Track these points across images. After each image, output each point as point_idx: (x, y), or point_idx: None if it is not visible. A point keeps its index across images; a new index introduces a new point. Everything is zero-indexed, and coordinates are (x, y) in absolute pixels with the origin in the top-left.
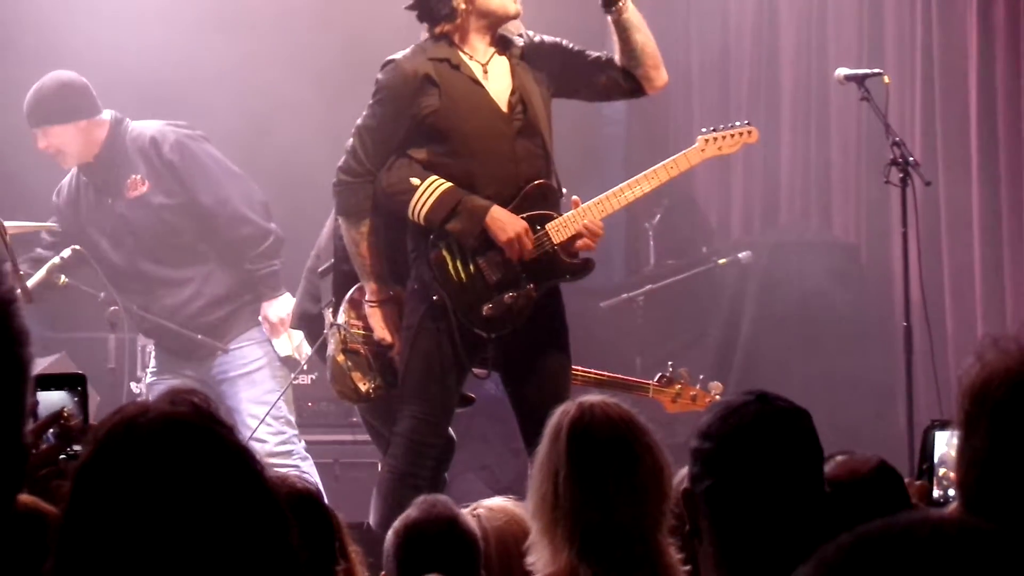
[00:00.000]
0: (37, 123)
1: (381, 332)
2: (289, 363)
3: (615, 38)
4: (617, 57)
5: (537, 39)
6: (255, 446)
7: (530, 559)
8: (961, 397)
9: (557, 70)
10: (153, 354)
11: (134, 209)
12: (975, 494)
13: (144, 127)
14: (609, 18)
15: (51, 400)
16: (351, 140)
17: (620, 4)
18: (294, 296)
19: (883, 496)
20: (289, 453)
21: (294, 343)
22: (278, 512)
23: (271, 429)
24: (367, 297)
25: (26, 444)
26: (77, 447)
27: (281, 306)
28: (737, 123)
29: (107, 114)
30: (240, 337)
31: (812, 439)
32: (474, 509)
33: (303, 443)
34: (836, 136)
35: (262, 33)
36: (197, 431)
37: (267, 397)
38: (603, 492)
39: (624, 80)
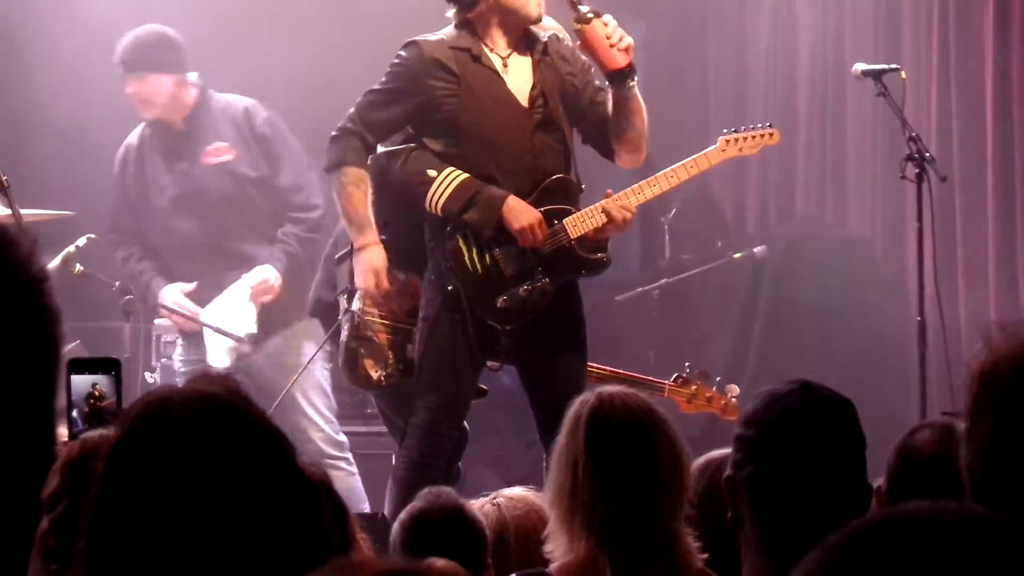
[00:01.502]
0: (134, 69)
1: (361, 279)
2: (246, 341)
3: (610, 107)
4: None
5: (570, 46)
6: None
7: (548, 547)
8: (969, 382)
9: (572, 88)
10: (179, 341)
11: (214, 176)
12: (981, 480)
13: (232, 98)
14: (611, 91)
15: (84, 383)
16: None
17: (630, 84)
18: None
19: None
20: (343, 445)
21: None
22: (309, 493)
23: (329, 422)
24: (353, 246)
25: (55, 423)
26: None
27: (265, 274)
28: (759, 125)
29: (194, 76)
30: (292, 327)
31: (855, 428)
32: (494, 498)
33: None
34: (852, 131)
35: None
36: (230, 411)
37: (316, 388)
38: (622, 481)
39: (602, 142)
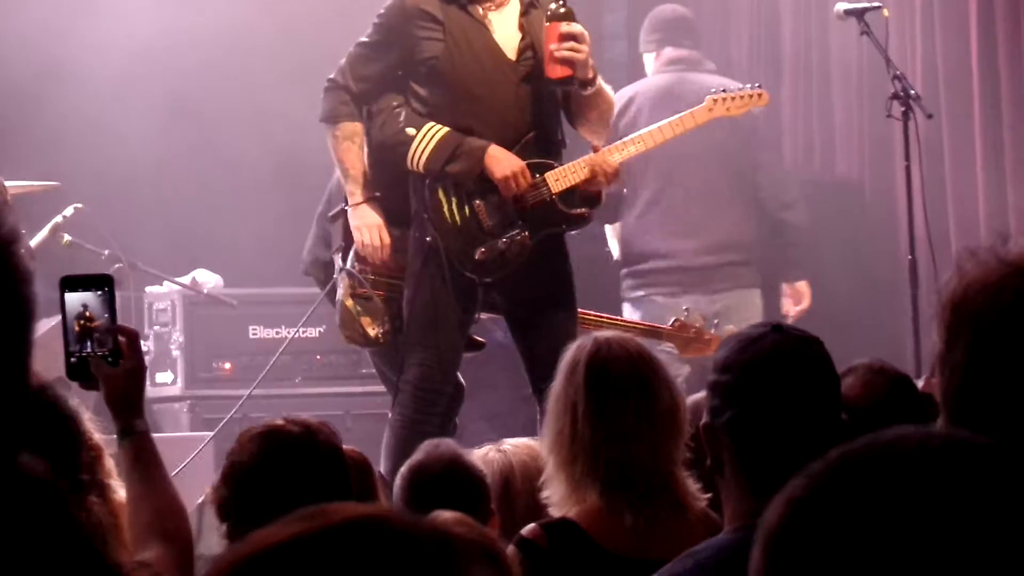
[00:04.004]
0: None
1: (360, 233)
2: None
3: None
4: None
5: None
6: None
7: (545, 493)
8: (941, 310)
9: None
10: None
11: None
12: (957, 406)
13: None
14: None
15: (76, 301)
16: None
17: (584, 89)
18: None
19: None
20: None
21: None
22: None
23: None
24: (348, 202)
25: (30, 384)
26: (103, 347)
27: None
28: (748, 85)
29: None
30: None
31: (828, 366)
32: (499, 445)
33: None
34: (837, 73)
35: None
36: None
37: None
38: (622, 426)
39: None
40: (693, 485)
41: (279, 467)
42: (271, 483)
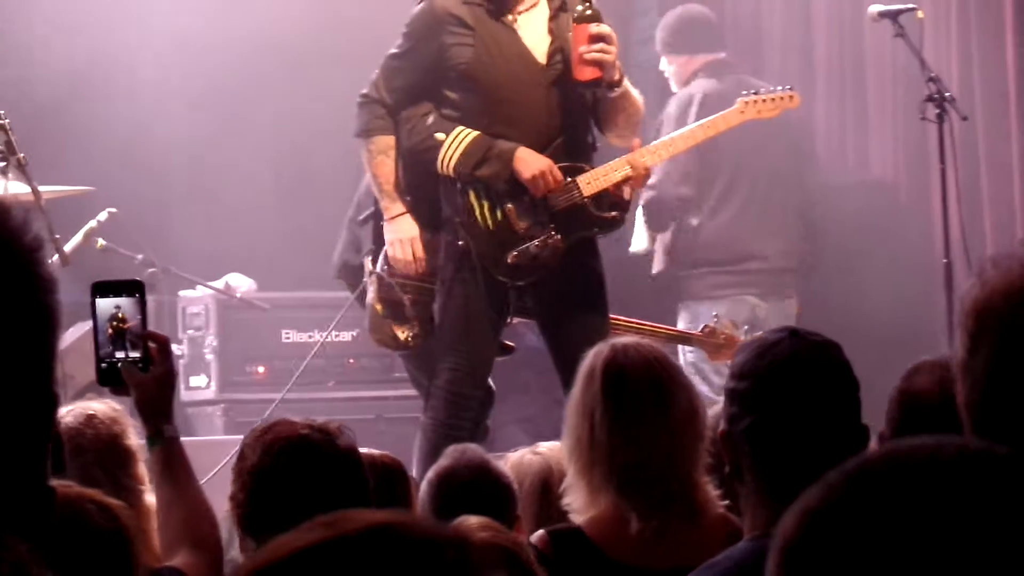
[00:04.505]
0: (658, 49)
1: (394, 248)
2: None
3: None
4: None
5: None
6: None
7: (565, 500)
8: (963, 317)
9: None
10: None
11: None
12: (979, 415)
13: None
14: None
15: (108, 306)
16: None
17: (611, 91)
18: None
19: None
20: None
21: None
22: None
23: None
24: (384, 216)
25: (55, 393)
26: (136, 351)
27: None
28: (779, 88)
29: (716, 55)
30: None
31: (846, 370)
32: (535, 448)
33: None
34: (872, 75)
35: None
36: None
37: None
38: (639, 431)
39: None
40: (713, 491)
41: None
42: (282, 486)
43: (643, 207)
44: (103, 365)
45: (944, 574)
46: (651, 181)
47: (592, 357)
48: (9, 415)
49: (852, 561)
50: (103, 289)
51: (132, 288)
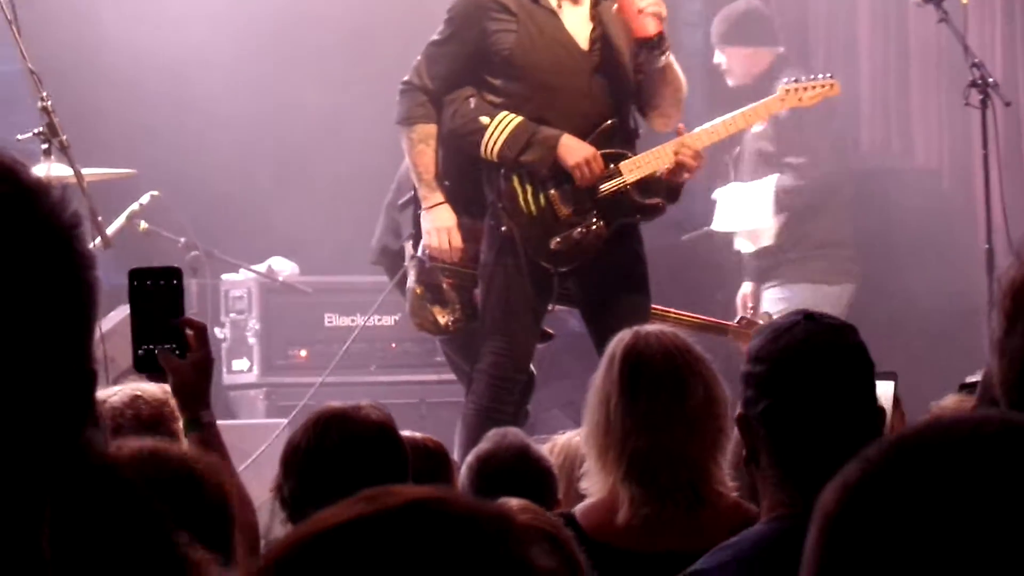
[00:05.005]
0: (716, 41)
1: (431, 236)
2: None
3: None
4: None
5: None
6: None
7: (583, 485)
8: (1000, 296)
9: None
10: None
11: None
12: (1016, 395)
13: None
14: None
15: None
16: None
17: (657, 54)
18: None
19: None
20: None
21: None
22: None
23: None
24: (422, 205)
25: (93, 369)
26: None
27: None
28: (820, 75)
29: (776, 50)
30: None
31: (862, 352)
32: (577, 434)
33: None
34: (916, 61)
35: None
36: None
37: None
38: (653, 419)
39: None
40: (729, 482)
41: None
42: (323, 464)
43: (782, 189)
44: (140, 352)
45: (985, 546)
46: (795, 161)
47: (614, 344)
48: (46, 392)
49: (894, 533)
50: (140, 276)
51: (170, 275)
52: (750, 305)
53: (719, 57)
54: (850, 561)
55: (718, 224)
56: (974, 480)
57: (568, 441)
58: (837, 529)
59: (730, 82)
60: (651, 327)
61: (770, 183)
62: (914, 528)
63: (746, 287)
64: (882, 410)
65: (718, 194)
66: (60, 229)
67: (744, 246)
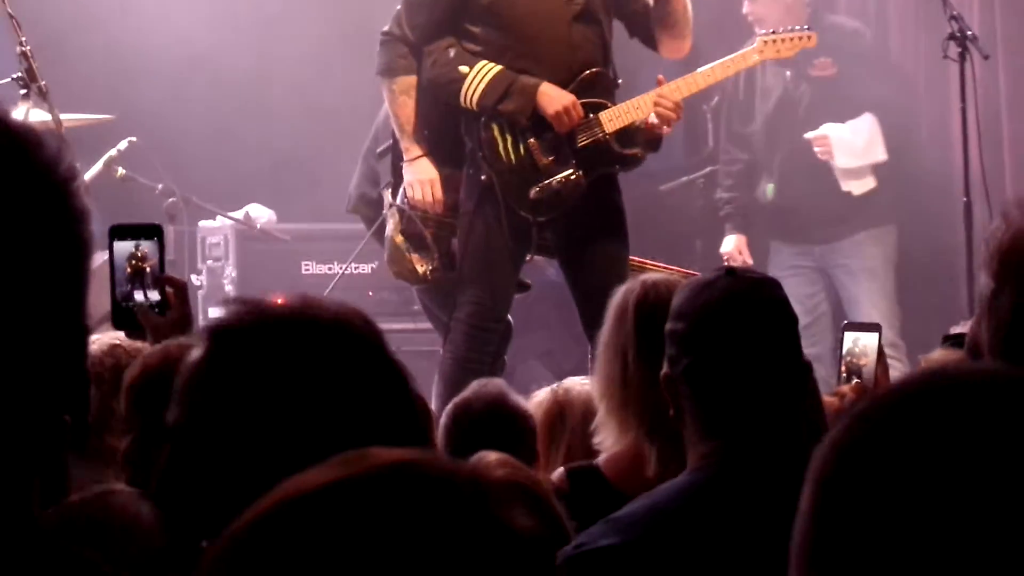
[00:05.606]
0: None
1: (413, 188)
2: None
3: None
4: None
5: None
6: None
7: (597, 439)
8: (988, 258)
9: None
10: None
11: (818, 87)
12: (1005, 352)
13: (838, 19)
14: None
15: (126, 247)
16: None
17: None
18: None
19: None
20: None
21: None
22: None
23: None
24: (404, 158)
25: (87, 324)
26: (153, 294)
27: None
28: (797, 27)
29: None
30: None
31: (784, 307)
32: (559, 386)
33: None
34: (893, 13)
35: None
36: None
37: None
38: None
39: (645, 29)
40: None
41: None
42: None
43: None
44: (120, 307)
45: (979, 497)
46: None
47: (623, 295)
48: (42, 346)
49: (889, 493)
50: (121, 232)
51: (150, 232)
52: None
53: (747, 7)
54: (846, 522)
55: (841, 160)
56: (965, 435)
57: (560, 392)
58: (831, 491)
59: (758, 32)
60: (655, 276)
61: (869, 120)
62: (908, 486)
63: (733, 239)
64: (809, 364)
65: (827, 128)
66: (56, 184)
67: (856, 187)
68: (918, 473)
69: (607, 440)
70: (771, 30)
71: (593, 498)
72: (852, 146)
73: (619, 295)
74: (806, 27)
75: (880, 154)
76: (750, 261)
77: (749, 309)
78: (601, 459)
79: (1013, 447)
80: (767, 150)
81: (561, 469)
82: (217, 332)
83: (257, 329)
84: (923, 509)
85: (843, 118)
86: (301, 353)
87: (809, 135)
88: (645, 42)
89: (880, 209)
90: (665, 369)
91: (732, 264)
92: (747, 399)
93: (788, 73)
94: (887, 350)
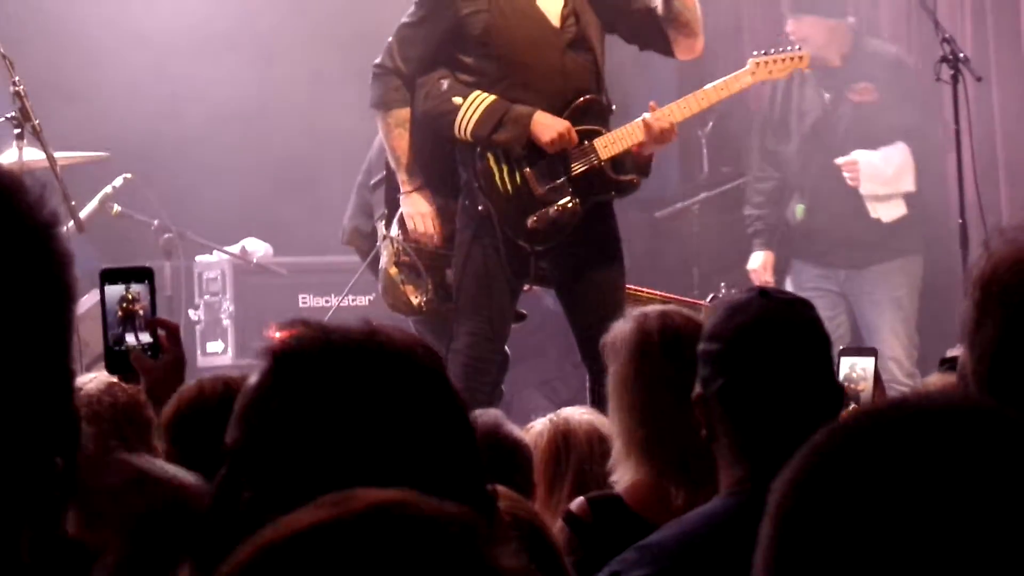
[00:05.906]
0: (794, 11)
1: (412, 221)
2: None
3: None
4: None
5: None
6: None
7: (614, 477)
8: (971, 288)
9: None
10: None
11: (857, 112)
12: (987, 386)
13: (880, 45)
14: None
15: (117, 291)
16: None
17: None
18: None
19: None
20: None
21: None
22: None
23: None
24: (402, 189)
25: (72, 369)
26: (145, 337)
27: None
28: (789, 47)
29: (848, 20)
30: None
31: (817, 327)
32: (558, 416)
33: None
34: (886, 36)
35: None
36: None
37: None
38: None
39: (654, 33)
40: None
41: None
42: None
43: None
44: (112, 351)
45: (938, 528)
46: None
47: (639, 324)
48: (26, 391)
49: (845, 526)
50: (111, 276)
51: (141, 275)
52: (722, 283)
53: (790, 26)
54: (802, 557)
55: (866, 187)
56: (915, 466)
57: (560, 422)
58: (788, 526)
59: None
60: (665, 307)
61: (902, 149)
62: (865, 519)
63: (761, 256)
64: (841, 387)
65: (858, 154)
66: (38, 228)
67: (886, 213)
68: (869, 505)
69: (625, 476)
70: (763, 51)
71: (617, 527)
72: (881, 173)
73: (632, 326)
74: (799, 47)
75: (908, 184)
76: (771, 280)
77: (784, 329)
78: (621, 488)
79: (961, 476)
80: (800, 170)
81: (581, 499)
82: (280, 356)
83: (323, 355)
84: (876, 541)
85: (879, 144)
86: (367, 382)
87: (839, 160)
88: (656, 48)
89: (909, 237)
90: (698, 390)
91: (764, 284)
92: (781, 420)
93: (827, 96)
94: (903, 380)
